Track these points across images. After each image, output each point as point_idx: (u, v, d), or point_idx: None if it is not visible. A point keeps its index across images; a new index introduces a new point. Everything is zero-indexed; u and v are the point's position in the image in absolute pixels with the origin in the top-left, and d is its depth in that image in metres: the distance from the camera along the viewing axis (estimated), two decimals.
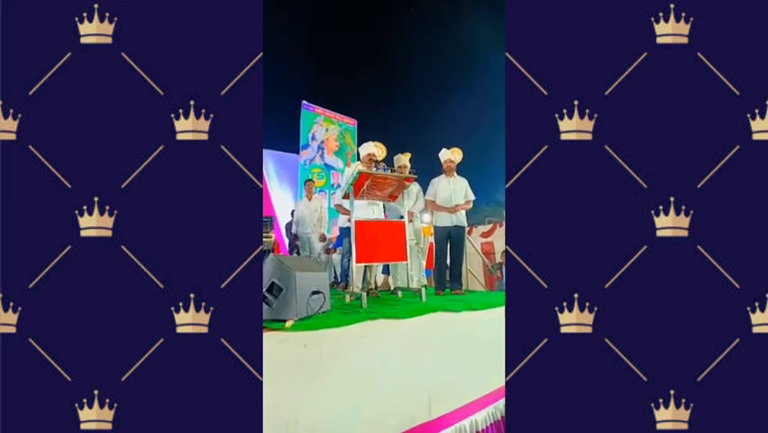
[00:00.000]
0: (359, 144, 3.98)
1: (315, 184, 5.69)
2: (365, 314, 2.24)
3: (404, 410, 2.04)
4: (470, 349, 2.49)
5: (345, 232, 3.95)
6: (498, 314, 2.78)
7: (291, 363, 1.71)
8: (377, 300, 3.12)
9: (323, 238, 5.17)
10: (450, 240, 3.81)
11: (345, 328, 1.99)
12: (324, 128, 8.30)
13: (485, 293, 4.32)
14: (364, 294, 2.72)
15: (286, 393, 1.62)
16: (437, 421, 2.13)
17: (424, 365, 2.22)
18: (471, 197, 3.89)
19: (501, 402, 2.46)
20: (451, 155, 3.93)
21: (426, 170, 4.20)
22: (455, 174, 3.91)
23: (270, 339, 1.70)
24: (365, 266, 3.55)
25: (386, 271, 4.51)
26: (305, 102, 8.02)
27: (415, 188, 4.02)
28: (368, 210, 3.65)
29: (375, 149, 3.74)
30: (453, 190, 3.81)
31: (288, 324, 1.86)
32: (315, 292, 2.16)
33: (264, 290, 2.02)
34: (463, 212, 3.85)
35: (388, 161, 3.90)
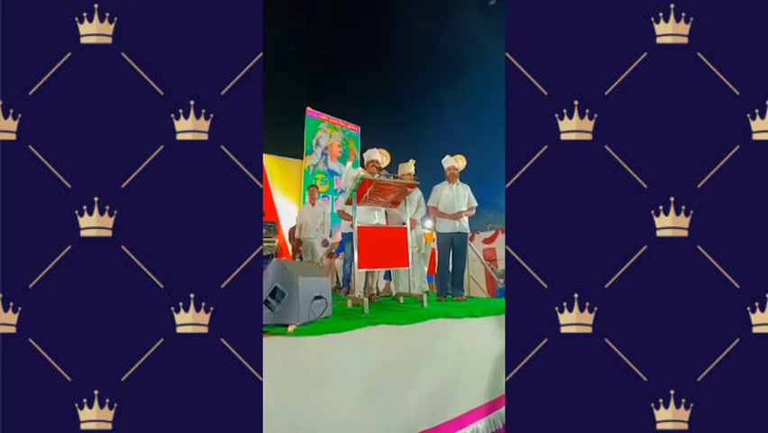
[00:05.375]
0: (362, 151, 4.12)
1: (318, 189, 5.86)
2: (367, 319, 2.31)
3: (405, 417, 2.12)
4: (471, 356, 2.57)
5: (348, 237, 4.06)
6: (499, 321, 2.86)
7: (293, 369, 1.79)
8: (378, 306, 3.20)
9: (325, 243, 5.30)
10: (452, 246, 3.92)
11: (347, 334, 2.07)
12: (328, 134, 8.60)
13: (487, 300, 4.40)
14: (366, 300, 2.81)
15: (287, 398, 1.70)
16: (439, 428, 2.21)
17: (425, 372, 2.30)
18: (474, 203, 4.02)
19: (503, 410, 2.54)
20: (454, 162, 4.06)
21: (428, 177, 4.35)
22: (458, 181, 4.03)
23: (272, 344, 1.78)
24: (367, 271, 3.65)
25: (388, 276, 4.61)
26: (309, 108, 8.28)
27: (416, 194, 4.15)
28: (370, 216, 3.76)
29: (379, 156, 3.87)
30: (456, 197, 3.94)
31: (291, 329, 1.94)
32: (317, 297, 2.24)
33: (267, 294, 2.10)
34: (466, 218, 3.97)
35: (393, 168, 4.02)
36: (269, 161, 7.80)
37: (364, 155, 4.00)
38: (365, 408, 1.97)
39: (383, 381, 2.09)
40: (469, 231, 4.03)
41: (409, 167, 4.13)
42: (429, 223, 5.16)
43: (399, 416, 2.10)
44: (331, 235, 5.58)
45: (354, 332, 2.11)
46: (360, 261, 3.04)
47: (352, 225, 3.29)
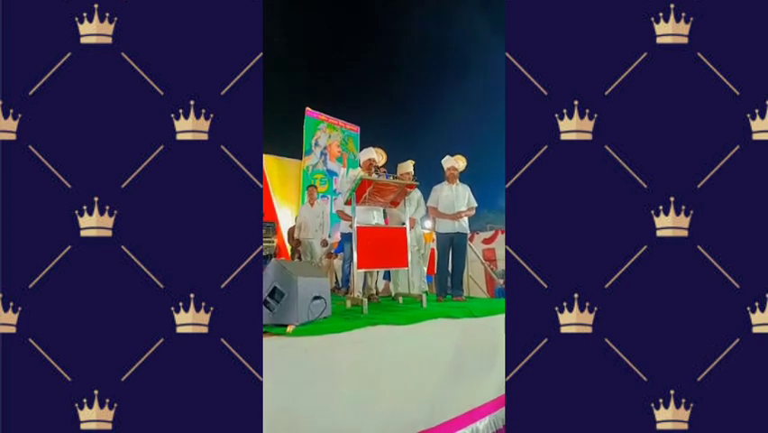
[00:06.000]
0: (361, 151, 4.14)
1: (317, 190, 5.87)
2: (366, 320, 2.32)
3: (405, 417, 2.13)
4: (470, 357, 2.58)
5: (347, 237, 4.06)
6: (499, 321, 2.86)
7: (292, 369, 1.79)
8: (378, 306, 3.21)
9: (324, 243, 5.31)
10: (452, 247, 3.93)
11: (346, 334, 2.07)
12: (327, 134, 8.64)
13: (486, 300, 4.41)
14: (365, 300, 2.81)
15: (286, 398, 1.70)
16: (438, 429, 2.21)
17: (424, 372, 2.30)
18: (474, 204, 4.03)
19: (502, 411, 2.55)
20: (454, 162, 4.07)
21: (427, 177, 4.36)
22: (458, 181, 4.03)
23: (271, 344, 1.78)
24: (366, 272, 3.66)
25: (387, 276, 4.62)
26: (308, 108, 8.31)
27: (416, 194, 4.16)
28: (369, 215, 3.76)
29: (375, 154, 3.88)
30: (456, 197, 3.95)
31: (290, 329, 1.94)
32: (316, 298, 2.25)
33: (266, 294, 2.11)
34: (466, 219, 3.98)
35: (391, 168, 4.03)
36: (268, 161, 7.82)
37: (360, 154, 4.02)
38: (364, 408, 1.97)
39: (382, 381, 2.09)
40: (468, 231, 4.04)
41: (408, 167, 4.14)
42: (429, 223, 5.17)
43: (398, 416, 2.10)
44: (330, 236, 5.59)
45: (353, 332, 2.11)
46: (359, 261, 3.05)
47: (351, 226, 3.30)
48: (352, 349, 2.06)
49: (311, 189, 5.69)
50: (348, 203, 3.34)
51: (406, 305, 3.35)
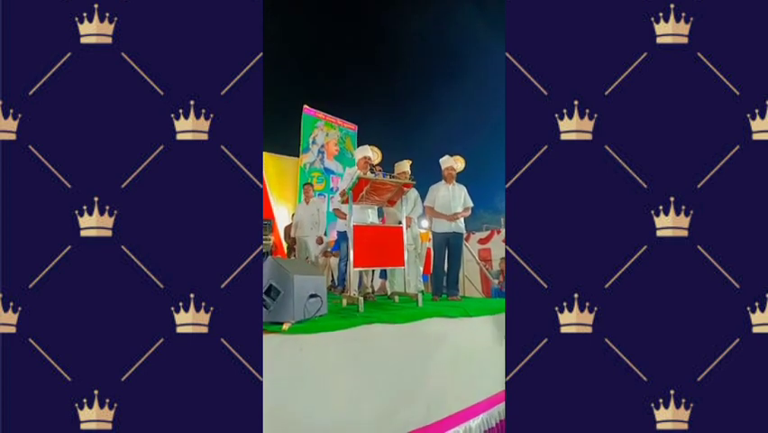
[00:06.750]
0: None
1: (313, 188, 5.86)
2: (362, 318, 2.32)
3: (399, 415, 2.12)
4: (465, 356, 2.58)
5: (343, 236, 4.06)
6: (494, 321, 2.86)
7: (287, 367, 1.79)
8: (373, 305, 3.21)
9: (320, 241, 5.31)
10: (448, 246, 3.94)
11: (342, 332, 2.07)
12: (325, 133, 8.62)
13: (481, 300, 4.41)
14: (361, 298, 2.82)
15: (282, 397, 1.70)
16: (432, 426, 2.21)
17: (419, 371, 2.30)
18: (470, 204, 4.04)
19: (495, 409, 2.55)
20: (453, 163, 4.07)
21: (425, 177, 4.36)
22: (455, 182, 4.04)
23: (267, 342, 1.77)
24: (362, 270, 3.66)
25: (383, 275, 4.62)
26: (306, 106, 8.31)
27: (413, 194, 4.16)
28: (363, 214, 3.77)
29: (370, 152, 3.89)
30: (453, 197, 3.95)
31: (285, 327, 1.94)
32: (312, 296, 2.24)
33: (262, 292, 2.10)
34: (462, 219, 3.98)
35: (388, 167, 4.04)
36: (265, 159, 7.79)
37: (355, 152, 4.03)
38: (359, 406, 1.97)
39: (377, 379, 2.09)
40: (464, 231, 4.05)
41: (405, 166, 4.15)
42: (425, 222, 5.18)
43: (393, 414, 2.10)
44: (326, 234, 5.58)
45: (349, 331, 2.11)
46: (355, 260, 3.04)
47: (347, 224, 3.30)
48: (347, 347, 2.06)
49: (307, 187, 5.69)
50: (345, 201, 3.34)
51: (401, 304, 3.35)
